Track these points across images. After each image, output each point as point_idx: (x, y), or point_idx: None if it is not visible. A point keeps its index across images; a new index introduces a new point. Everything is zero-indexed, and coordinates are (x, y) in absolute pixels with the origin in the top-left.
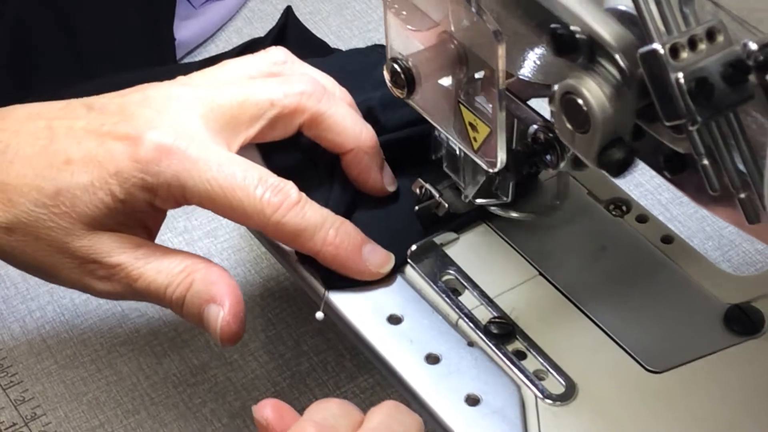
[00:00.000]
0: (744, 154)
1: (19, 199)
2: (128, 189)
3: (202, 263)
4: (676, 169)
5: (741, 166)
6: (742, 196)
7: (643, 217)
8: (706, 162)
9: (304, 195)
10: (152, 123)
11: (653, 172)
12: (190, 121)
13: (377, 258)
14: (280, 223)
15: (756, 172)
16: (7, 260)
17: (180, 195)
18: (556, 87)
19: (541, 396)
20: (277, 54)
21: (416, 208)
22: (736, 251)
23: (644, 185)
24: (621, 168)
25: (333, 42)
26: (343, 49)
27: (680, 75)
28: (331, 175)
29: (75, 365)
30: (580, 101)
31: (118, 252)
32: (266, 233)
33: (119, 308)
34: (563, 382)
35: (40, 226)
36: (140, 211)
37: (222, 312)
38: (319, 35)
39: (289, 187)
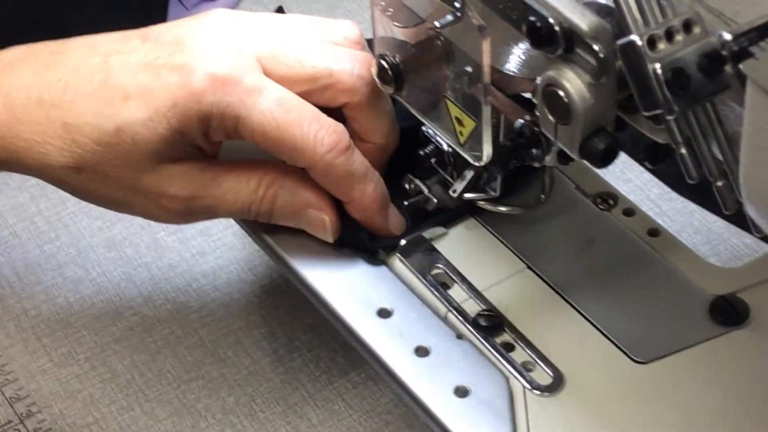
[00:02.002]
0: (721, 143)
1: (82, 139)
2: (184, 121)
3: (276, 169)
4: (657, 159)
5: (718, 155)
6: (720, 184)
7: (630, 211)
8: (684, 151)
9: (352, 142)
10: (207, 54)
11: (642, 168)
12: (245, 55)
13: (396, 218)
14: (330, 165)
15: (732, 160)
16: (82, 198)
17: (232, 126)
18: (538, 80)
19: (529, 387)
20: (352, 30)
21: (405, 203)
22: (725, 245)
23: (633, 181)
24: (604, 158)
25: None
26: None
27: (657, 66)
28: None
29: (70, 363)
30: (561, 93)
31: (187, 182)
32: (312, 171)
33: (113, 306)
34: (551, 374)
35: (106, 164)
36: (198, 143)
37: (325, 216)
38: None
39: (342, 130)
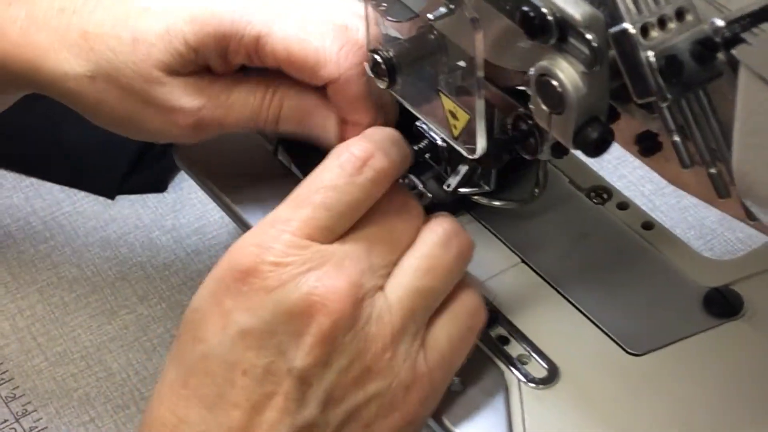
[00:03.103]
0: (714, 130)
1: (100, 47)
2: (201, 37)
3: (281, 77)
4: (650, 149)
5: (712, 143)
6: (713, 171)
7: (624, 204)
8: (677, 138)
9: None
10: None
11: (636, 164)
12: None
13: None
14: (352, 79)
15: (725, 147)
16: (93, 115)
17: (252, 46)
18: (531, 71)
19: (524, 380)
20: None
21: None
22: (718, 240)
23: (627, 177)
24: (597, 147)
25: None
26: None
27: (650, 53)
28: None
29: (65, 362)
30: (554, 82)
31: (197, 94)
32: (333, 86)
33: (108, 305)
34: (546, 366)
35: (120, 74)
36: (212, 64)
37: (332, 118)
38: None
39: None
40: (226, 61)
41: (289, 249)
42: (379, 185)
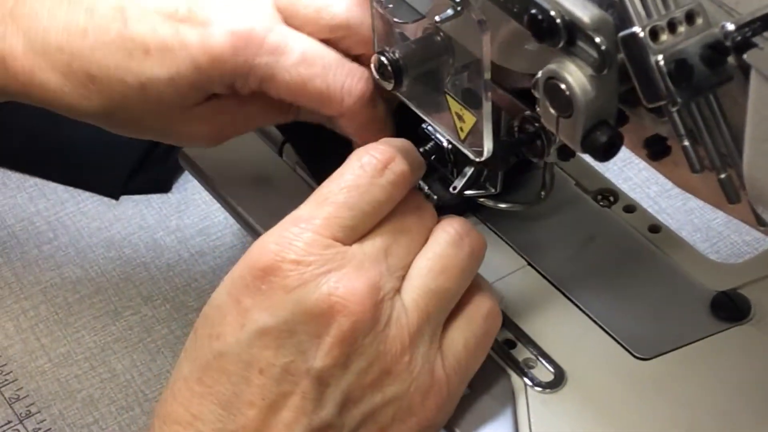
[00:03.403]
0: (724, 135)
1: (108, 91)
2: (206, 81)
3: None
4: (659, 153)
5: (722, 148)
6: (723, 176)
7: (631, 207)
8: (687, 143)
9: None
10: (224, 6)
11: (641, 166)
12: (265, 5)
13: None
14: (359, 113)
15: (736, 152)
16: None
17: (256, 84)
18: (539, 74)
19: (530, 384)
20: None
21: None
22: (725, 242)
23: (632, 179)
24: (606, 151)
25: None
26: None
27: (660, 57)
28: None
29: (69, 363)
30: (562, 86)
31: (214, 119)
32: (341, 119)
33: (112, 306)
34: (552, 370)
35: (135, 114)
36: (224, 92)
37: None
38: None
39: (368, 76)
40: (235, 91)
41: (310, 248)
42: (400, 188)
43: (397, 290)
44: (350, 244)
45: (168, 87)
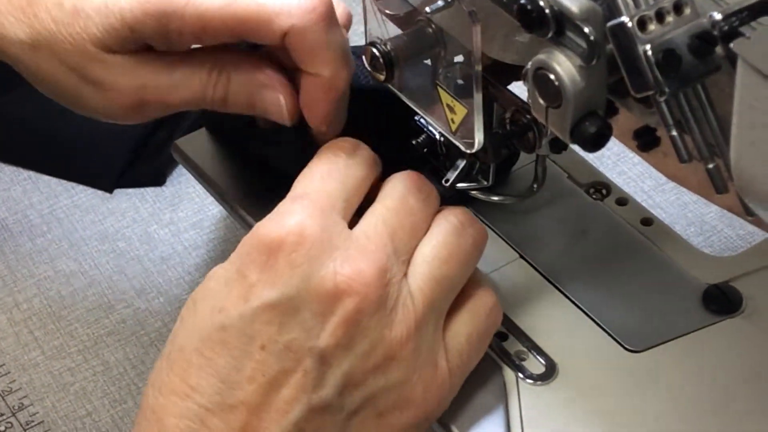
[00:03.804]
0: (712, 125)
1: (43, 14)
2: (139, 16)
3: (229, 54)
4: (648, 144)
5: (710, 137)
6: (711, 166)
7: (623, 200)
8: (675, 133)
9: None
10: None
11: (636, 160)
12: None
13: (339, 123)
14: (308, 27)
15: (723, 142)
16: (37, 83)
17: (198, 24)
18: (528, 64)
19: (522, 376)
20: None
21: None
22: (718, 236)
23: (627, 173)
24: (595, 142)
25: None
26: None
27: (648, 47)
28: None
29: (62, 356)
30: (551, 76)
31: (137, 72)
32: (288, 38)
33: (105, 299)
34: (544, 363)
35: (58, 45)
36: (152, 43)
37: (281, 97)
38: None
39: None
40: (169, 42)
41: (313, 220)
42: (373, 169)
43: (404, 275)
44: (347, 219)
45: (96, 14)
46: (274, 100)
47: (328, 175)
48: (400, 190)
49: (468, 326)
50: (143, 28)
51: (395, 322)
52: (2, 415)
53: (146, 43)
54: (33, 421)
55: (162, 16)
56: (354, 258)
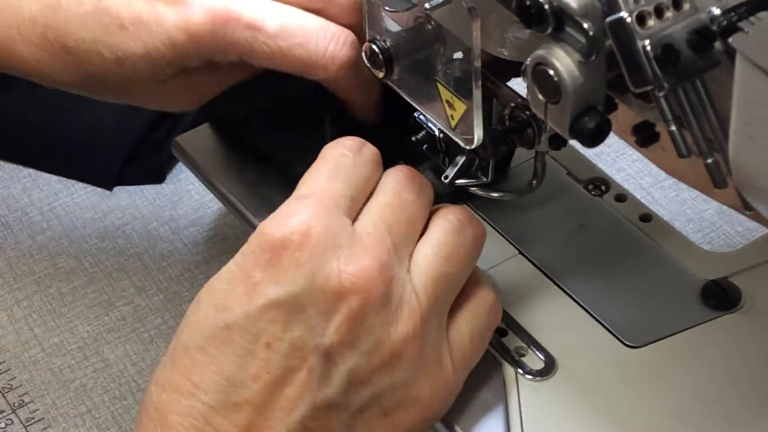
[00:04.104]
0: (711, 120)
1: (85, 63)
2: (183, 57)
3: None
4: (647, 140)
5: (708, 133)
6: (710, 161)
7: (622, 197)
8: (674, 128)
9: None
10: None
11: (635, 157)
12: None
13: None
14: (345, 79)
15: (722, 137)
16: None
17: (237, 60)
18: (528, 60)
19: (521, 372)
20: None
21: None
22: (717, 233)
23: (626, 169)
24: (594, 137)
25: None
26: None
27: (647, 42)
28: None
29: (62, 353)
30: (550, 71)
31: (192, 90)
32: (328, 84)
33: (106, 296)
34: (543, 359)
35: (112, 83)
36: (203, 66)
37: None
38: None
39: (352, 39)
40: (215, 64)
41: (317, 219)
42: (378, 167)
43: (407, 270)
44: (352, 218)
45: (143, 61)
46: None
47: (333, 175)
48: (392, 185)
49: (470, 324)
50: (192, 63)
51: (400, 319)
52: (2, 411)
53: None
54: (33, 418)
55: (207, 56)
56: (357, 255)
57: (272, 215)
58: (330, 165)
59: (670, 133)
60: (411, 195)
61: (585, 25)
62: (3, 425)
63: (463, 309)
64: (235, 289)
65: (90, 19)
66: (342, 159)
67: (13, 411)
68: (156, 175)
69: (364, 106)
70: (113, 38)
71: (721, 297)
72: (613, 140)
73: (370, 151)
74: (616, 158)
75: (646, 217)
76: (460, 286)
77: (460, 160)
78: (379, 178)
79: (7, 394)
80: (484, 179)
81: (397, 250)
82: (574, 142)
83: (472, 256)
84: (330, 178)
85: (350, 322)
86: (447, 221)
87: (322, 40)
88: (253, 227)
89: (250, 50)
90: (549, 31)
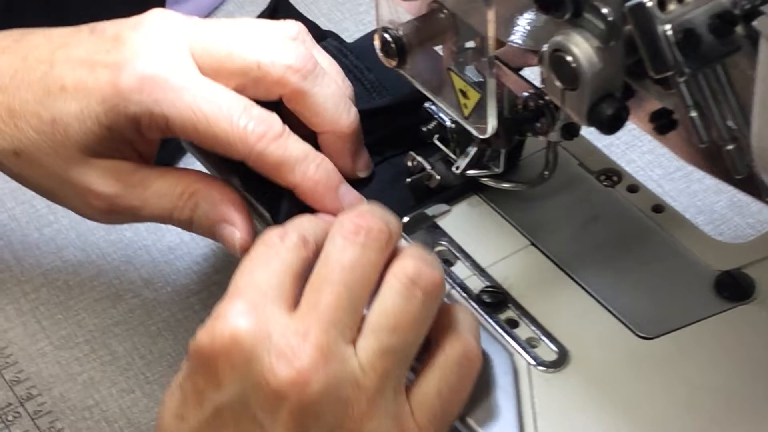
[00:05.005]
0: (732, 106)
1: (23, 125)
2: (112, 117)
3: (201, 181)
4: (665, 127)
5: (729, 119)
6: (730, 147)
7: (634, 187)
8: (694, 114)
9: (287, 127)
10: (139, 50)
11: (645, 149)
12: (177, 51)
13: (350, 198)
14: (262, 154)
15: (744, 123)
16: (20, 182)
17: (163, 124)
18: (545, 47)
19: (533, 363)
20: (290, 28)
21: (408, 180)
22: (728, 225)
23: (636, 161)
24: (612, 124)
25: (324, 24)
26: (335, 31)
27: (668, 27)
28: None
29: (70, 346)
30: (568, 58)
31: (113, 181)
32: (249, 163)
33: (113, 289)
34: (555, 349)
35: (41, 152)
36: (130, 139)
37: (237, 233)
38: (310, 17)
39: (273, 119)
40: (143, 135)
41: (243, 318)
42: (303, 249)
43: (352, 343)
44: (289, 303)
45: (75, 121)
46: (230, 234)
47: (253, 269)
48: (335, 245)
49: (437, 383)
50: (119, 127)
51: (349, 401)
52: (10, 404)
53: (126, 140)
54: (41, 411)
55: (133, 118)
56: (291, 348)
57: (206, 322)
58: (253, 259)
59: (691, 119)
60: (354, 254)
61: (604, 11)
62: (11, 418)
63: (429, 367)
64: (188, 398)
65: (38, 85)
66: (264, 250)
67: (21, 404)
68: (164, 164)
69: (304, 194)
70: (53, 100)
71: (734, 288)
72: (623, 132)
73: (291, 236)
74: (626, 150)
75: (659, 207)
76: (415, 349)
77: (472, 150)
78: (311, 255)
79: (14, 387)
80: (496, 170)
81: (341, 324)
82: (585, 133)
83: (422, 318)
84: (252, 272)
85: (295, 416)
86: (396, 280)
87: (243, 117)
88: (263, 219)
89: (176, 115)
90: (567, 16)
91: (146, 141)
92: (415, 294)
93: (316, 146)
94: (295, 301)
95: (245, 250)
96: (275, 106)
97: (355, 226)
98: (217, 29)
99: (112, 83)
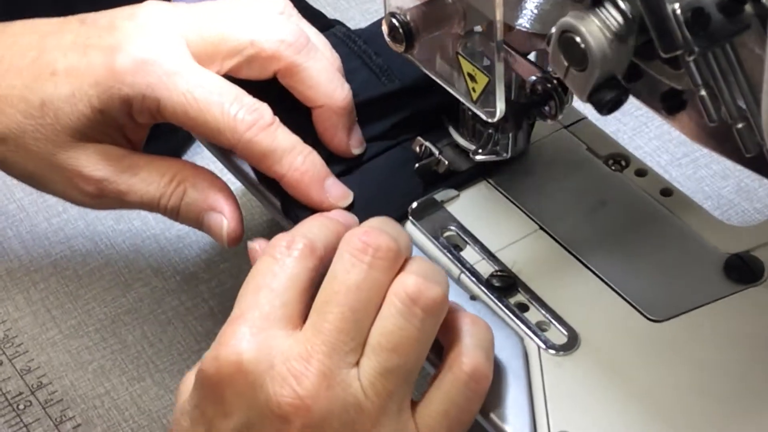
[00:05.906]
0: (741, 85)
1: (9, 110)
2: (105, 100)
3: (190, 169)
4: (675, 107)
5: (739, 98)
6: (740, 126)
7: (642, 171)
8: (704, 93)
9: (276, 118)
10: (134, 36)
11: (651, 135)
12: (171, 39)
13: (337, 191)
14: (250, 142)
15: (753, 102)
16: (4, 170)
17: (155, 108)
18: (553, 28)
19: (544, 347)
20: (277, 3)
21: (416, 165)
22: (735, 210)
23: (643, 147)
24: (612, 107)
25: (330, 13)
26: (340, 20)
27: (677, 6)
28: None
29: (80, 335)
30: (577, 39)
31: (102, 165)
32: (236, 151)
33: (122, 278)
34: (565, 333)
35: (28, 137)
36: (121, 124)
37: (225, 220)
38: (316, 7)
39: (264, 108)
40: (134, 120)
41: (246, 343)
42: (309, 260)
43: (356, 364)
44: (295, 323)
45: (66, 104)
46: (217, 223)
47: (258, 288)
48: (342, 263)
49: (443, 404)
50: (111, 110)
51: (353, 424)
52: (21, 393)
53: (117, 124)
54: (52, 400)
55: (126, 100)
56: (294, 372)
57: (210, 348)
58: (254, 279)
59: (700, 98)
60: (359, 275)
61: (623, 6)
62: (22, 407)
63: (435, 387)
64: (196, 427)
65: (26, 70)
66: (264, 268)
67: (32, 392)
68: (173, 154)
69: (289, 185)
70: (41, 84)
71: (743, 270)
72: (629, 118)
73: (296, 248)
74: (633, 136)
75: (667, 191)
76: (418, 366)
77: (486, 133)
78: (318, 265)
79: (25, 376)
80: (504, 155)
81: (344, 347)
82: (593, 118)
83: (424, 337)
84: (254, 293)
85: None
86: (397, 299)
87: (234, 104)
88: (273, 206)
89: (167, 98)
90: (588, 1)
91: (136, 126)
92: (414, 313)
93: (311, 132)
94: (302, 316)
95: (233, 239)
96: (269, 100)
97: (363, 244)
98: (208, 14)
99: (107, 65)
